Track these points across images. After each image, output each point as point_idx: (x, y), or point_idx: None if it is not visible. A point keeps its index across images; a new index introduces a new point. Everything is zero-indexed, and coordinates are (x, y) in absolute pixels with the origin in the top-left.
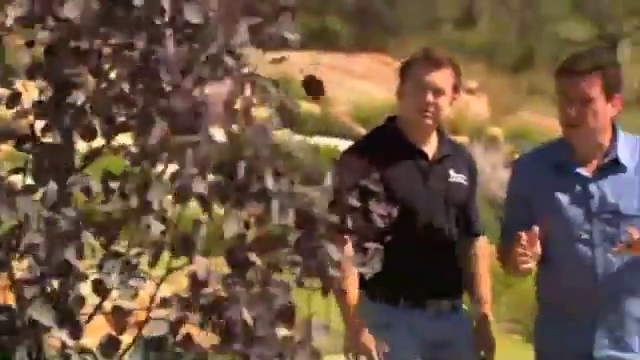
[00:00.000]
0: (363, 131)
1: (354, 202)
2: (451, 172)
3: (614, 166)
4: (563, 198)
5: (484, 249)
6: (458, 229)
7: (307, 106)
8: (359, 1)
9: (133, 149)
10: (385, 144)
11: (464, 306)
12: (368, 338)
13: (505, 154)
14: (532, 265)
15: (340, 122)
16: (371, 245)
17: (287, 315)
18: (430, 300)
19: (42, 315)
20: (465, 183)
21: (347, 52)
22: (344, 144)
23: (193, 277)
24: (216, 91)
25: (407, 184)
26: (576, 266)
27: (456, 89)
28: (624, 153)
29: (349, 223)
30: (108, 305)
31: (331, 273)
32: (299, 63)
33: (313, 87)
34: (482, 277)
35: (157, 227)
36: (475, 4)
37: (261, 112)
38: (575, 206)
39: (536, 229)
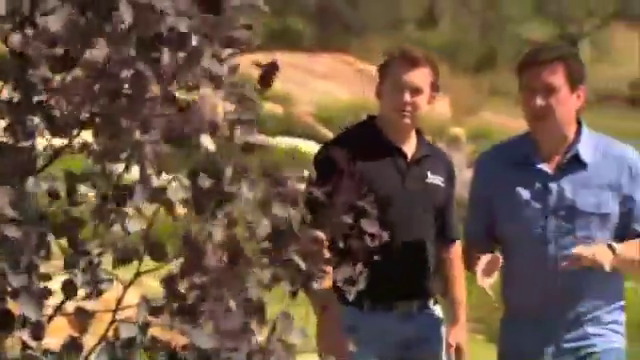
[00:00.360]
0: (326, 131)
1: (348, 220)
2: (428, 173)
3: (575, 162)
4: (523, 194)
5: (459, 254)
6: (435, 232)
7: (269, 106)
8: (321, 1)
9: (96, 147)
10: (363, 141)
11: (437, 307)
12: (340, 340)
13: (467, 154)
14: (490, 282)
15: (303, 122)
16: (359, 264)
17: (259, 312)
18: (398, 301)
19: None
20: (442, 185)
21: (309, 52)
22: (307, 145)
23: (167, 281)
24: (203, 97)
25: (385, 183)
26: (531, 263)
27: (434, 87)
28: (586, 149)
29: (339, 240)
30: (70, 306)
31: (301, 284)
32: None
33: (265, 78)
34: (457, 280)
35: (134, 227)
36: (437, 4)
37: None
38: (534, 202)
39: (497, 257)
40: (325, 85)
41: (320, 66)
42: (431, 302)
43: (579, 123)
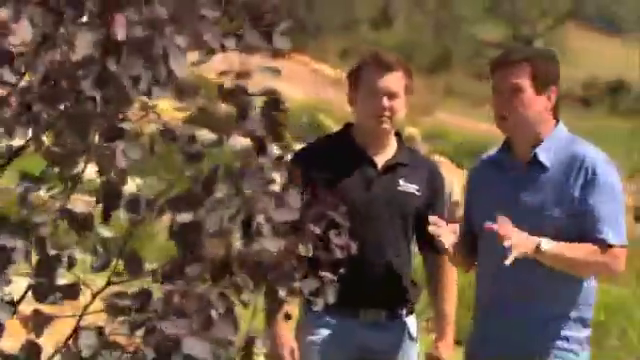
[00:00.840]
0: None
1: (317, 230)
2: (400, 181)
3: (537, 164)
4: (492, 196)
5: (449, 264)
6: (419, 242)
7: (225, 107)
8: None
9: (55, 149)
10: (335, 149)
11: (411, 318)
12: (285, 341)
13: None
14: (447, 241)
15: None
16: (327, 275)
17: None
18: (365, 309)
19: None
20: (417, 194)
21: (264, 52)
22: None
23: (140, 297)
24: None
25: (350, 190)
26: (492, 263)
27: (408, 90)
28: (546, 152)
29: (308, 250)
30: (27, 309)
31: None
32: (216, 64)
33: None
34: (446, 294)
35: (106, 233)
36: (391, 5)
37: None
38: (500, 204)
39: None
40: (280, 85)
41: (275, 66)
42: (403, 312)
43: (558, 122)
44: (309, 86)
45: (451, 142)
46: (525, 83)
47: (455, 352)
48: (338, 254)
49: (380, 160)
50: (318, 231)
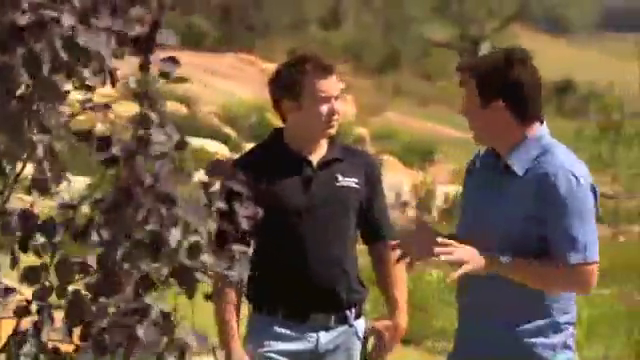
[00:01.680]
0: (230, 131)
1: (221, 205)
2: (339, 176)
3: (510, 171)
4: (470, 195)
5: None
6: (365, 234)
7: (173, 106)
8: (224, 1)
9: None
10: (268, 154)
11: (360, 320)
12: (240, 356)
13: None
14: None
15: (207, 122)
16: (237, 248)
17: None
18: (315, 313)
19: None
20: (357, 187)
21: (212, 51)
22: (212, 145)
23: (73, 303)
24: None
25: (290, 195)
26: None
27: (342, 91)
28: (517, 161)
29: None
30: None
31: (196, 279)
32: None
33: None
34: (395, 280)
35: (41, 239)
36: (340, 5)
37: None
38: (478, 205)
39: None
40: (229, 85)
41: (224, 66)
42: (352, 314)
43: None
44: (258, 85)
45: (400, 142)
46: (471, 94)
47: (403, 351)
48: (245, 225)
49: (315, 158)
50: (221, 204)
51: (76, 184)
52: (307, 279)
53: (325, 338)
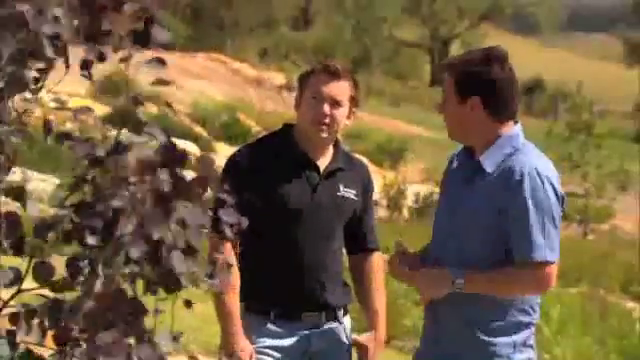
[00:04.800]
0: (202, 131)
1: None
2: (341, 187)
3: (481, 170)
4: (445, 194)
5: (379, 264)
6: (351, 244)
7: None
8: (195, 1)
9: None
10: (277, 150)
11: (346, 318)
12: (244, 346)
13: None
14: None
15: (178, 122)
16: (221, 257)
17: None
18: (306, 313)
19: None
20: (355, 199)
21: (183, 51)
22: (184, 144)
23: (52, 309)
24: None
25: (295, 195)
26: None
27: (354, 102)
28: (489, 159)
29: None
30: None
31: (179, 284)
32: (135, 62)
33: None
34: (377, 292)
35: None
36: (311, 5)
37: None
38: (450, 203)
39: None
40: (200, 84)
41: (194, 66)
42: (340, 313)
43: (512, 127)
44: (229, 85)
45: (371, 141)
46: (448, 93)
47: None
48: (229, 233)
49: (321, 164)
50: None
51: (45, 184)
52: (300, 280)
53: (317, 336)
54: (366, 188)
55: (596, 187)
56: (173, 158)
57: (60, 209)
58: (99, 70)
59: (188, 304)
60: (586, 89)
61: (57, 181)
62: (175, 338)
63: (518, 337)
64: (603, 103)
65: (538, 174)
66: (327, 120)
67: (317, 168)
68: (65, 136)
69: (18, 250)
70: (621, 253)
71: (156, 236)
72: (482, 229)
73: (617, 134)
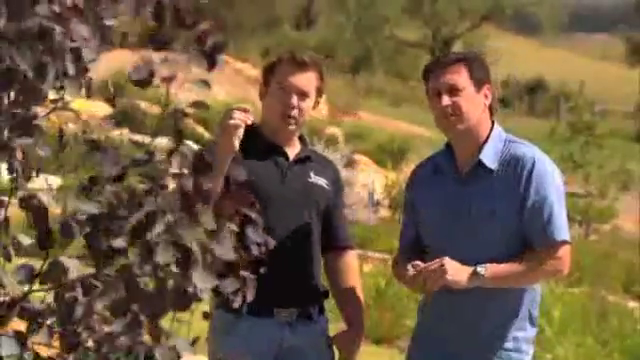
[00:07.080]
0: (204, 131)
1: (233, 227)
2: (311, 174)
3: (480, 169)
4: (434, 202)
5: (354, 262)
6: (324, 241)
7: (145, 106)
8: (196, 0)
9: None
10: (245, 143)
11: (322, 317)
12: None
13: (345, 154)
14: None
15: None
16: (247, 274)
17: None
18: (278, 309)
19: None
20: (327, 187)
21: (184, 51)
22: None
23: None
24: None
25: (264, 182)
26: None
27: (319, 92)
28: (489, 156)
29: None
30: None
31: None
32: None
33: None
34: (352, 290)
35: (26, 241)
36: (313, 5)
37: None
38: (441, 209)
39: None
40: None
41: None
42: (315, 311)
43: (493, 123)
44: (231, 85)
45: (373, 141)
46: (464, 81)
47: (376, 350)
48: (255, 251)
49: (290, 153)
50: (234, 228)
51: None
52: (272, 274)
53: (289, 335)
54: (336, 181)
55: (598, 188)
56: (203, 168)
57: (80, 211)
58: (100, 70)
59: (206, 316)
60: (587, 89)
61: (60, 181)
62: (193, 342)
63: (533, 333)
64: (604, 103)
65: (544, 159)
66: (294, 113)
67: (286, 155)
68: (92, 143)
69: (42, 246)
70: (623, 253)
71: (186, 241)
72: (501, 226)
73: (619, 134)
